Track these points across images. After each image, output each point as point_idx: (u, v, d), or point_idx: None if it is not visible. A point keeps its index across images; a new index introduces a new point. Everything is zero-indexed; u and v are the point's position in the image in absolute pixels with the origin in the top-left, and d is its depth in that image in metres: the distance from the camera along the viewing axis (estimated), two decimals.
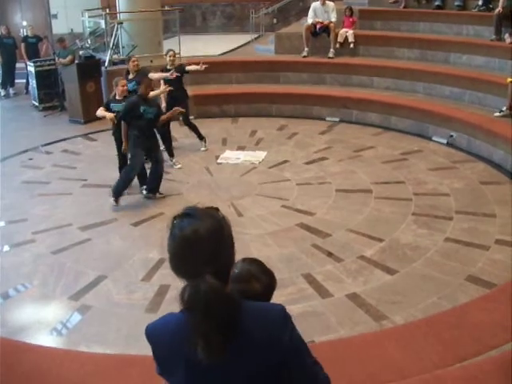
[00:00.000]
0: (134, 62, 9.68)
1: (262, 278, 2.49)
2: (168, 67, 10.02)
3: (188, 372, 1.94)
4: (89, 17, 16.18)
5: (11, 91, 15.68)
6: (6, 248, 7.14)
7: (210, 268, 1.88)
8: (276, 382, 2.01)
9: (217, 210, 2.05)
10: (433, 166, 9.27)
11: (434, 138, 10.55)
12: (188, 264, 1.92)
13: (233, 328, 1.89)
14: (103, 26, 14.19)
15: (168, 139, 9.78)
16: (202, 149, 10.45)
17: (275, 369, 1.98)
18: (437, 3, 14.06)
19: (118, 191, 8.08)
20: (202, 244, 1.90)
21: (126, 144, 8.19)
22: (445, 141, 10.28)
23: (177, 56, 11.18)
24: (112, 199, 8.09)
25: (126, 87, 8.65)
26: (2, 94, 15.54)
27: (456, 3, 13.72)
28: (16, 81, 15.85)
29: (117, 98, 8.62)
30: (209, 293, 1.83)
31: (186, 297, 1.87)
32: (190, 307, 1.86)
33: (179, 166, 9.63)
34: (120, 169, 8.63)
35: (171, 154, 9.79)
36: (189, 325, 1.86)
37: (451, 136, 10.19)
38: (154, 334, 2.03)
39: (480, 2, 13.26)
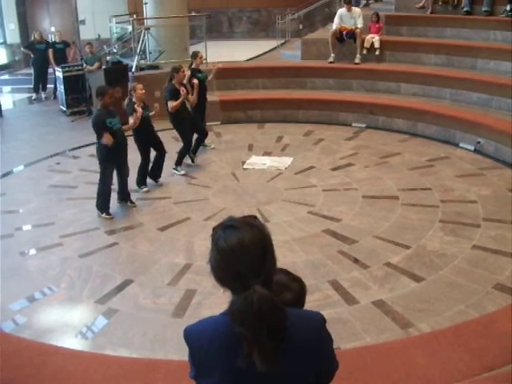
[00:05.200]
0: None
1: (292, 287, 2.47)
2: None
3: (229, 375, 1.95)
4: (116, 23, 16.35)
5: (43, 95, 15.86)
6: (33, 251, 7.21)
7: (258, 278, 1.89)
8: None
9: (255, 218, 2.06)
10: (460, 172, 9.19)
11: (461, 145, 10.46)
12: (236, 275, 1.92)
13: (282, 335, 1.90)
14: (130, 31, 14.28)
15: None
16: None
17: (315, 373, 2.03)
18: (465, 9, 13.93)
19: (102, 207, 8.02)
20: (249, 254, 1.91)
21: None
22: (472, 147, 10.19)
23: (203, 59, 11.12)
24: (103, 215, 7.99)
25: (143, 91, 8.37)
26: (34, 97, 15.72)
27: (483, 8, 13.57)
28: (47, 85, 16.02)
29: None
30: (262, 303, 1.84)
31: (237, 309, 1.88)
32: (243, 319, 1.86)
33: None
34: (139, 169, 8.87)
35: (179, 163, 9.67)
36: (241, 335, 1.86)
37: (478, 142, 10.09)
38: (192, 336, 2.03)
39: (508, 7, 13.08)
